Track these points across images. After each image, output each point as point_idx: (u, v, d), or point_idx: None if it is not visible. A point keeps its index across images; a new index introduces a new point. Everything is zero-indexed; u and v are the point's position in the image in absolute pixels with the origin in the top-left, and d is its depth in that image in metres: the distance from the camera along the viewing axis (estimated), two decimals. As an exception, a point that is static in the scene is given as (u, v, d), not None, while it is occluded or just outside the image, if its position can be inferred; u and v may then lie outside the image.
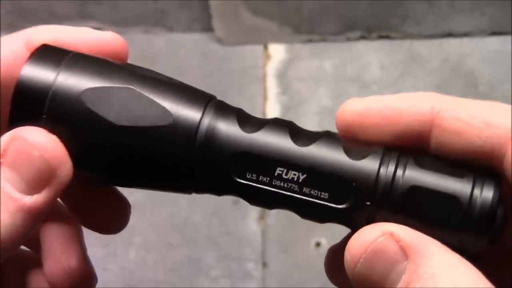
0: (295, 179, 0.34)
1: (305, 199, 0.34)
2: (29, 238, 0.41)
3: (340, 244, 0.38)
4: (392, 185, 0.33)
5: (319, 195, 0.34)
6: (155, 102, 0.35)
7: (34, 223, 0.34)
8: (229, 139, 0.35)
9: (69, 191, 0.35)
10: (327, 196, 0.34)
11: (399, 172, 0.34)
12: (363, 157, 0.34)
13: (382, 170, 0.34)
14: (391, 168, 0.34)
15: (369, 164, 0.34)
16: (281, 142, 0.35)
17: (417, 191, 0.33)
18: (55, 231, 0.40)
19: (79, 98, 0.34)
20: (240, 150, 0.34)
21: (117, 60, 0.38)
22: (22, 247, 0.42)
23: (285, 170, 0.34)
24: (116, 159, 0.35)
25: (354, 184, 0.33)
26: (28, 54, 0.35)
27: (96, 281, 0.41)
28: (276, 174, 0.34)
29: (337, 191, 0.34)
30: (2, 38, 0.37)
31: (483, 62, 1.19)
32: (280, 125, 0.35)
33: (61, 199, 0.39)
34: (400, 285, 0.31)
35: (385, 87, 1.17)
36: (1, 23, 1.27)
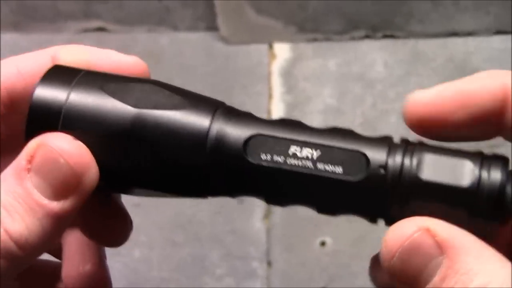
0: (309, 157, 0.34)
1: (320, 176, 0.34)
2: (56, 246, 0.42)
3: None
4: (404, 155, 0.34)
5: (333, 170, 0.34)
6: (172, 94, 0.36)
7: (60, 228, 0.34)
8: (240, 130, 0.35)
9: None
10: (341, 171, 0.34)
11: (410, 147, 0.34)
12: (372, 139, 0.35)
13: (392, 145, 0.35)
14: (401, 145, 0.35)
15: (377, 140, 0.35)
16: (293, 126, 0.35)
17: (428, 160, 0.33)
18: (75, 235, 0.41)
19: (99, 92, 0.35)
20: (252, 133, 0.35)
21: None
22: (49, 257, 0.43)
23: (299, 148, 0.34)
24: (132, 157, 0.35)
25: (367, 155, 0.34)
26: None
27: (111, 286, 0.42)
28: (290, 153, 0.34)
29: (351, 164, 0.34)
30: (28, 53, 0.38)
31: (487, 61, 1.19)
32: (290, 119, 0.36)
33: None
34: (435, 279, 0.32)
35: (390, 86, 1.17)
36: (6, 21, 1.27)
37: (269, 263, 1.02)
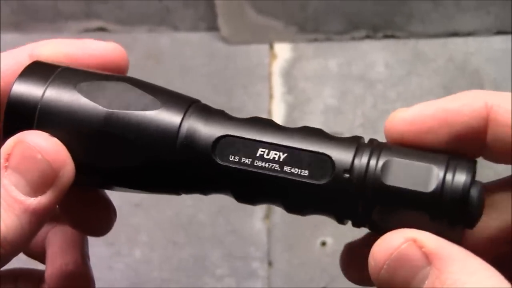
0: (276, 159, 0.35)
1: (286, 178, 0.35)
2: (40, 250, 0.42)
3: (358, 241, 0.39)
4: (369, 159, 0.34)
5: (299, 172, 0.35)
6: (145, 93, 0.36)
7: (39, 224, 0.35)
8: (211, 129, 0.36)
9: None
10: (307, 174, 0.35)
11: (376, 150, 0.34)
12: (340, 140, 0.35)
13: (360, 148, 0.35)
14: (368, 147, 0.35)
15: (346, 144, 0.35)
16: (262, 127, 0.36)
17: (393, 165, 0.34)
18: (58, 235, 0.42)
19: (72, 92, 0.36)
20: (221, 134, 0.35)
21: (117, 70, 0.39)
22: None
23: (266, 151, 0.35)
24: (105, 154, 0.36)
25: (332, 158, 0.34)
26: None
27: (94, 285, 0.42)
28: (257, 155, 0.35)
29: (317, 167, 0.34)
30: (7, 51, 0.39)
31: (488, 61, 1.19)
32: (260, 119, 0.36)
33: None
34: None
35: (390, 86, 1.17)
36: (6, 22, 1.27)
37: (269, 263, 1.02)
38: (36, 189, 0.34)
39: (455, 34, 1.23)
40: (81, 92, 0.36)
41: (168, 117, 0.36)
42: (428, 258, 0.32)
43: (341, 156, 0.34)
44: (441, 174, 0.33)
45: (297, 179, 0.35)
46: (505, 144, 0.34)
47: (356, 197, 0.34)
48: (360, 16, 1.21)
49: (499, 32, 1.22)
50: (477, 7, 1.20)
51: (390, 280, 0.33)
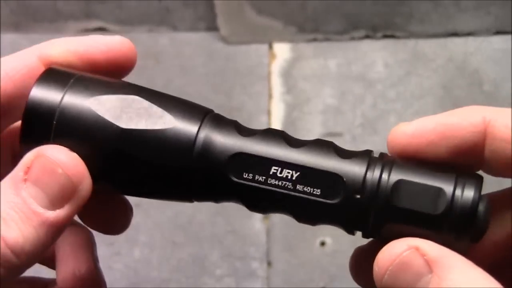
0: (289, 177, 0.36)
1: (299, 196, 0.36)
2: (48, 255, 0.43)
3: (367, 245, 0.40)
4: (380, 180, 0.35)
5: (312, 191, 0.36)
6: (159, 106, 0.37)
7: (55, 236, 0.35)
8: (226, 143, 0.36)
9: None
10: (319, 193, 0.36)
11: (386, 169, 0.35)
12: (352, 156, 0.36)
13: (370, 166, 0.36)
14: (379, 165, 0.36)
15: (357, 161, 0.36)
16: (275, 144, 0.37)
17: (403, 186, 0.35)
18: (68, 239, 0.42)
19: (88, 108, 0.36)
20: (236, 151, 0.36)
21: (126, 63, 0.40)
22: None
23: (279, 169, 0.36)
24: (121, 168, 0.37)
25: (344, 179, 0.35)
26: (41, 67, 0.38)
27: (105, 287, 0.43)
28: (271, 173, 0.36)
29: (328, 187, 0.36)
30: (15, 54, 0.39)
31: (487, 61, 1.19)
32: (273, 132, 0.37)
33: None
34: None
35: (390, 86, 1.17)
36: (6, 22, 1.27)
37: (269, 263, 1.02)
38: (55, 202, 0.35)
39: (454, 34, 1.23)
40: (97, 106, 0.36)
41: (185, 128, 0.36)
42: (430, 266, 0.33)
43: (352, 176, 0.35)
44: (450, 192, 0.34)
45: (309, 197, 0.36)
46: (502, 158, 0.35)
47: (367, 215, 0.35)
48: (359, 16, 1.21)
49: (499, 32, 1.22)
50: (477, 7, 1.20)
51: (392, 286, 0.33)
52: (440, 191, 0.34)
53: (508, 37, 1.21)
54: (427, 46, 1.22)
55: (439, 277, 0.32)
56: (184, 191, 0.38)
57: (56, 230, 0.35)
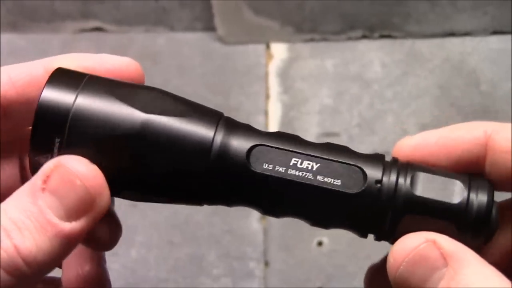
0: (309, 168, 0.36)
1: (320, 187, 0.36)
2: None
3: (380, 263, 0.41)
4: (399, 173, 0.36)
5: (332, 182, 0.36)
6: (177, 102, 0.37)
7: (70, 249, 0.35)
8: (244, 139, 0.36)
9: None
10: (339, 183, 0.36)
11: (403, 166, 0.36)
12: (367, 156, 0.37)
13: (387, 163, 0.37)
14: (395, 163, 0.37)
15: (372, 156, 0.37)
16: (293, 140, 0.37)
17: (422, 177, 0.35)
18: None
19: (107, 98, 0.35)
20: (255, 143, 0.36)
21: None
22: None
23: (299, 160, 0.36)
24: (138, 167, 0.36)
25: (364, 169, 0.36)
26: (46, 78, 0.37)
27: (110, 287, 0.43)
28: (291, 164, 0.36)
29: (349, 178, 0.36)
30: (21, 63, 0.39)
31: (484, 61, 1.19)
32: (288, 133, 0.38)
33: None
34: None
35: (387, 86, 1.17)
36: (3, 22, 1.27)
37: (266, 263, 1.02)
38: (72, 214, 0.34)
39: (451, 34, 1.23)
40: (116, 96, 0.35)
41: (202, 126, 0.36)
42: (445, 259, 0.33)
43: (372, 168, 0.36)
44: (466, 189, 0.35)
45: (330, 187, 0.36)
46: (503, 171, 0.36)
47: (387, 206, 0.35)
48: (356, 16, 1.21)
49: (496, 32, 1.22)
50: (474, 7, 1.20)
51: (407, 278, 0.34)
52: (455, 183, 0.35)
53: (505, 37, 1.21)
54: (424, 46, 1.22)
55: (454, 271, 0.33)
56: (198, 193, 0.37)
57: (70, 242, 0.34)
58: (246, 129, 0.37)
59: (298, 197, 0.36)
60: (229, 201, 0.38)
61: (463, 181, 0.35)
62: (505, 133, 0.36)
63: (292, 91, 1.18)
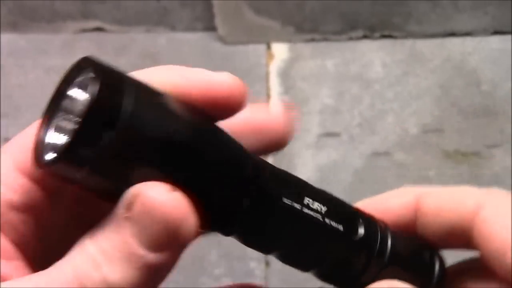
0: (319, 210, 0.36)
1: (328, 230, 0.37)
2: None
3: None
4: (383, 234, 0.39)
5: (336, 227, 0.37)
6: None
7: (156, 280, 0.34)
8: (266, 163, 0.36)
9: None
10: (342, 229, 0.37)
11: (385, 230, 0.40)
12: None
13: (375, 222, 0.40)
14: (379, 226, 0.40)
15: (364, 215, 0.39)
16: (298, 179, 0.37)
17: (398, 246, 0.39)
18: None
19: (158, 98, 0.33)
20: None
21: (228, 110, 0.37)
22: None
23: (311, 200, 0.36)
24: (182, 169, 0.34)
25: (361, 220, 0.38)
26: None
27: None
28: (305, 203, 0.36)
29: (348, 224, 0.37)
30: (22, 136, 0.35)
31: (485, 61, 1.19)
32: (292, 174, 0.37)
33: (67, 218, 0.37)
34: None
35: (388, 86, 1.17)
36: (4, 22, 1.27)
37: (267, 263, 1.02)
38: (156, 245, 0.32)
39: (452, 34, 1.23)
40: (165, 99, 0.33)
41: (237, 143, 0.35)
42: None
43: (365, 221, 0.38)
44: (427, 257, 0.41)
45: (335, 231, 0.37)
46: (432, 232, 0.40)
47: (377, 255, 0.38)
48: (357, 16, 1.21)
49: (497, 32, 1.22)
50: (475, 7, 1.20)
51: None
52: (424, 252, 0.41)
53: (506, 37, 1.21)
54: (425, 46, 1.22)
55: None
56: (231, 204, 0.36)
57: (157, 273, 0.33)
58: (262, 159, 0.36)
59: (309, 235, 0.37)
60: (227, 229, 0.38)
61: (428, 251, 0.41)
62: (433, 197, 0.40)
63: (293, 91, 1.18)
